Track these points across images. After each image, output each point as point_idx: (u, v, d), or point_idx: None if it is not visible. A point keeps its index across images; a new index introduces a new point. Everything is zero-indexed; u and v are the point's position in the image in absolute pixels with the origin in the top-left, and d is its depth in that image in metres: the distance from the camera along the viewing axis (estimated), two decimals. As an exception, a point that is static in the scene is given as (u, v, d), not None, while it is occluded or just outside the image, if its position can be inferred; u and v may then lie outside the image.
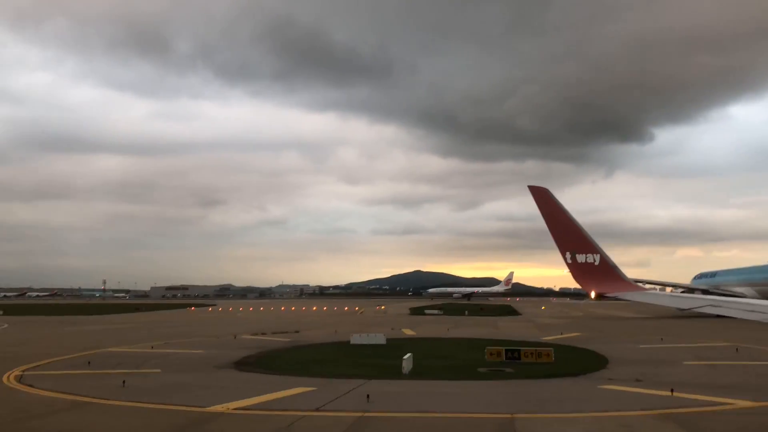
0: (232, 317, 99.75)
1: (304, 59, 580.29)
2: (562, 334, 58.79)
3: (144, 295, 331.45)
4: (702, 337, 52.32)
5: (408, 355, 34.42)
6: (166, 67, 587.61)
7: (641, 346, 46.80)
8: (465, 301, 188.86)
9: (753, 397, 24.28)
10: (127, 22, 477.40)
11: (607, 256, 18.16)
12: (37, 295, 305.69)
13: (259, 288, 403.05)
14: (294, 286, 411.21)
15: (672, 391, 25.14)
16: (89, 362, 35.83)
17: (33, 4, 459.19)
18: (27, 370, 32.85)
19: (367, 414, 20.84)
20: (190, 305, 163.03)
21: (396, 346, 47.19)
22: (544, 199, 18.58)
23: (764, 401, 23.65)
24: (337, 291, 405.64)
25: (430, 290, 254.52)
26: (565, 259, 18.09)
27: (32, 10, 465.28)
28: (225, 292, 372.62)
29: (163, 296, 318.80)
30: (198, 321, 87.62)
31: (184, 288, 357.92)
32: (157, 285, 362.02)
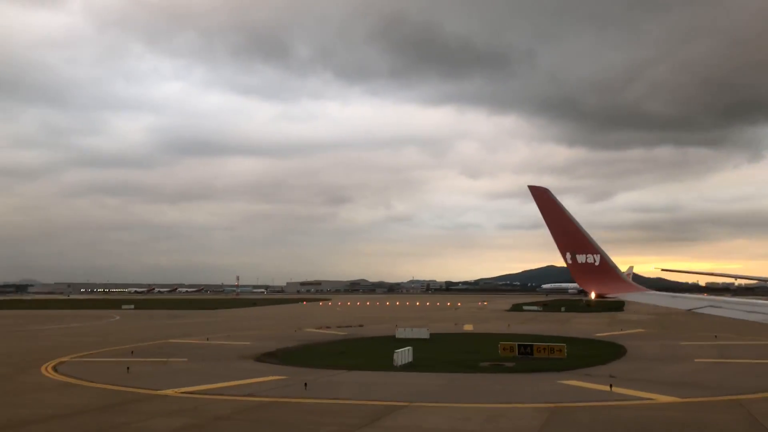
0: (326, 311, 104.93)
1: (419, 54, 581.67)
2: (622, 330, 57.48)
3: (280, 290, 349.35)
4: (763, 335, 49.22)
5: (404, 348, 36.12)
6: (287, 71, 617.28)
7: (682, 343, 45.27)
8: (579, 297, 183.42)
9: (685, 394, 24.19)
10: (250, 31, 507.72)
11: (607, 256, 18.01)
12: (186, 291, 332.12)
13: (389, 283, 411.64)
14: (422, 282, 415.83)
15: (611, 386, 25.72)
16: (132, 351, 40.75)
17: (165, 19, 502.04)
18: (76, 357, 38.14)
19: (278, 399, 23.37)
20: (314, 300, 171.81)
21: (438, 340, 49.01)
22: (544, 199, 18.24)
23: (693, 398, 23.56)
24: (465, 287, 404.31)
25: (545, 286, 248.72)
26: (565, 260, 17.98)
27: (164, 25, 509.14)
28: (356, 287, 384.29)
29: (298, 291, 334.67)
30: (289, 315, 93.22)
31: (317, 283, 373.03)
32: (293, 281, 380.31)
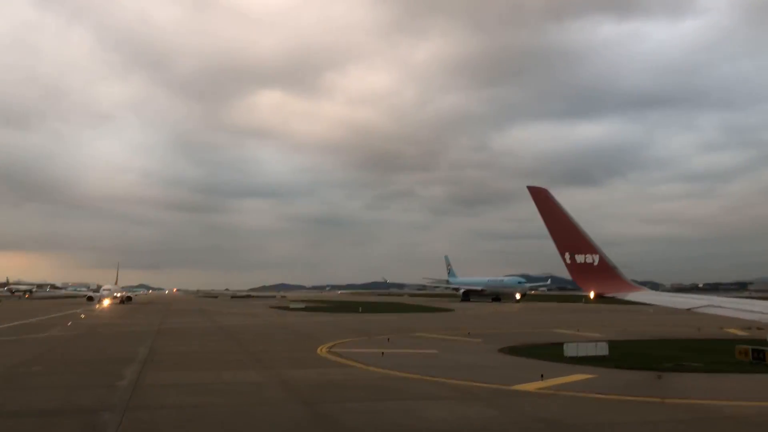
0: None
1: None
2: None
3: None
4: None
5: (591, 343, 36.56)
6: None
7: None
8: None
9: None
10: None
11: (606, 256, 17.91)
12: None
13: None
14: None
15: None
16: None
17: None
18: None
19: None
20: None
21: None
22: (543, 199, 18.31)
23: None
24: None
25: None
26: (564, 260, 17.85)
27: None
28: None
29: None
30: None
31: None
32: None
